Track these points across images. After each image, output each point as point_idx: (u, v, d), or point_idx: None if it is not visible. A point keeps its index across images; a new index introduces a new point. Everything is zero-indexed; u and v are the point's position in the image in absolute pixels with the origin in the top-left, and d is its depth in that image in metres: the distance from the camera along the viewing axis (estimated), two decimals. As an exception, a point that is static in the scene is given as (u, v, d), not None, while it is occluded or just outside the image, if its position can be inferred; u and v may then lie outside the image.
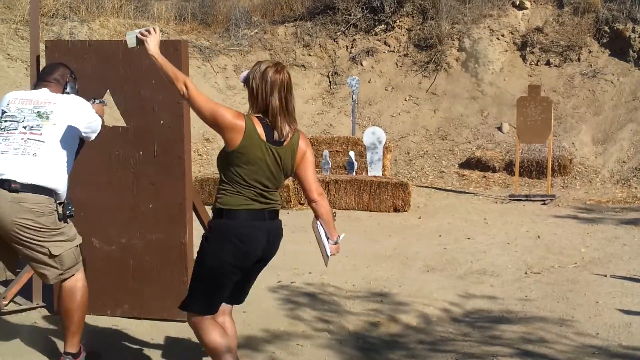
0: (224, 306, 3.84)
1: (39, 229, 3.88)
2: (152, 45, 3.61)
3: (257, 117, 3.57)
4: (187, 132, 4.98)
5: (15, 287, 5.25)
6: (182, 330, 5.01)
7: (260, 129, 3.53)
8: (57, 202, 3.99)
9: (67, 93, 4.24)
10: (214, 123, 3.54)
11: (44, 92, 4.18)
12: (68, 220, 4.05)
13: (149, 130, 4.90)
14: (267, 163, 3.54)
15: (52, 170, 3.97)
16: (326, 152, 11.74)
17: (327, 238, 3.78)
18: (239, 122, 3.52)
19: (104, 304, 5.02)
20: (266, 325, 5.21)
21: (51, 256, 3.96)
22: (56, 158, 4.01)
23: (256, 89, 3.55)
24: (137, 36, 3.67)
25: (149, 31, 3.67)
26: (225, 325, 3.84)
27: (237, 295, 3.87)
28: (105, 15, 15.44)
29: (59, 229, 3.98)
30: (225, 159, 3.59)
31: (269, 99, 3.53)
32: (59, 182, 4.00)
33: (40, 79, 4.33)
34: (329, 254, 3.79)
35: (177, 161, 4.94)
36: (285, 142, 3.59)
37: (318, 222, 3.76)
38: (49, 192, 3.94)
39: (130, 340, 4.72)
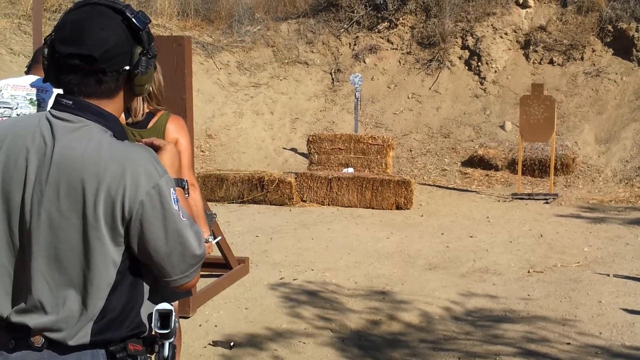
0: None
1: None
2: None
3: None
4: (190, 128, 4.97)
5: None
6: (183, 326, 5.01)
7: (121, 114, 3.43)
8: None
9: None
10: None
11: (35, 79, 4.03)
12: None
13: (151, 126, 4.89)
14: None
15: None
16: None
17: None
18: None
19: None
20: (268, 322, 5.20)
21: None
22: None
23: None
24: None
25: None
26: None
27: None
28: (108, 11, 15.41)
29: None
30: None
31: None
32: None
33: (35, 60, 4.15)
34: None
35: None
36: (149, 125, 3.41)
37: None
38: None
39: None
